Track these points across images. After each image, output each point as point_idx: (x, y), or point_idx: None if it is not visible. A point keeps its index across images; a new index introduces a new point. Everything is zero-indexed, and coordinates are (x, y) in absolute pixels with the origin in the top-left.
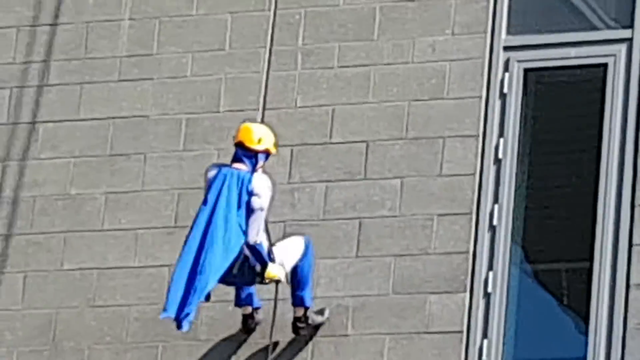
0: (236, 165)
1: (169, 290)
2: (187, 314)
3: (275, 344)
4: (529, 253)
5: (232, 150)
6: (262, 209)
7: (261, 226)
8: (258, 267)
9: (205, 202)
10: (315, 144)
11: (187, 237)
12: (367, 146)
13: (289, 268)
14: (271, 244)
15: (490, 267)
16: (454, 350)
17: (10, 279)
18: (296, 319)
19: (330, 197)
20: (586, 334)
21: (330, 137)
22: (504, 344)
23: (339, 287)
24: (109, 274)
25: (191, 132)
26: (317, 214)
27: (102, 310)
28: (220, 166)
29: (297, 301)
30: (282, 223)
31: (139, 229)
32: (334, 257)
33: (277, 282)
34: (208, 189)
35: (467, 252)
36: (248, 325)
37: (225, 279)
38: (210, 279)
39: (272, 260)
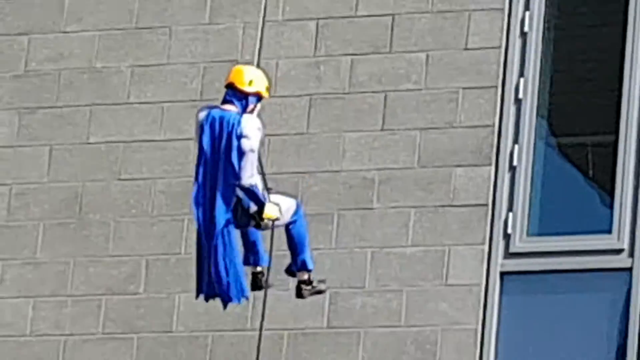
0: (226, 106)
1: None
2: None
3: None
4: (554, 126)
5: (257, 23)
6: (252, 151)
7: (254, 168)
8: (253, 208)
9: (200, 150)
10: (340, 17)
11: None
12: (393, 19)
13: (285, 217)
14: (267, 188)
15: (516, 141)
16: (479, 224)
17: (37, 153)
18: (300, 282)
19: (356, 70)
20: (611, 207)
21: (356, 10)
22: (529, 217)
23: (364, 161)
24: (135, 147)
25: (217, 5)
26: (343, 88)
27: (128, 184)
28: (210, 108)
29: (300, 265)
30: (308, 97)
31: (165, 102)
32: (359, 130)
33: (274, 221)
34: (200, 134)
35: (493, 125)
36: (257, 283)
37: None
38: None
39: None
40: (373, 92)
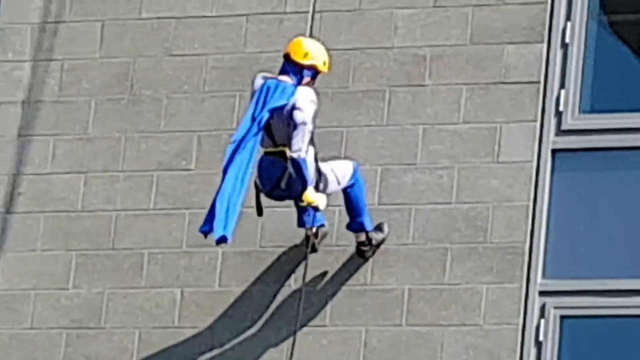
0: (282, 77)
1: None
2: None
3: None
4: (606, 4)
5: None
6: (304, 123)
7: (305, 142)
8: (299, 187)
9: (253, 116)
10: None
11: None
12: None
13: (336, 185)
14: (317, 159)
15: (568, 18)
16: (531, 101)
17: (88, 28)
18: (359, 244)
19: None
20: None
21: None
22: (581, 94)
23: (416, 37)
24: (187, 22)
25: None
26: None
27: (180, 59)
28: (266, 78)
29: (357, 227)
30: None
31: None
32: (412, 6)
33: (315, 208)
34: (256, 101)
35: (545, 2)
36: (311, 244)
37: (273, 194)
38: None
39: (316, 187)
40: None
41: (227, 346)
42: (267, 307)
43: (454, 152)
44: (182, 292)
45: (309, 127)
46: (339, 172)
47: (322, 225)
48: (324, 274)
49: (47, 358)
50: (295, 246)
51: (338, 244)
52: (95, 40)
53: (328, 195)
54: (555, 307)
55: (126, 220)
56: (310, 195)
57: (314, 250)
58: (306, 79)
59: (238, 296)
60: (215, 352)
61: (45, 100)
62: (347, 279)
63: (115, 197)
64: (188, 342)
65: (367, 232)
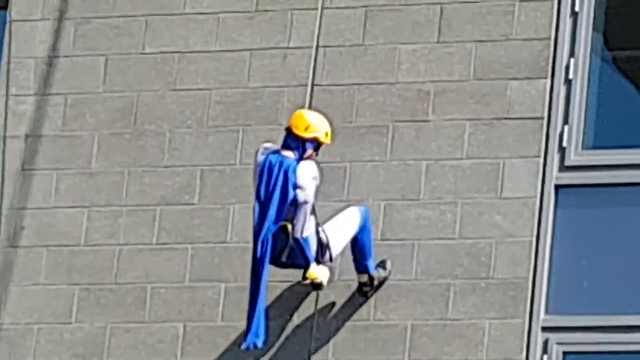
0: (284, 152)
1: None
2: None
3: None
4: (610, 39)
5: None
6: (306, 202)
7: (307, 219)
8: (302, 263)
9: (257, 195)
10: None
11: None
12: None
13: (339, 249)
14: (318, 225)
15: (572, 54)
16: (534, 136)
17: (92, 63)
18: (362, 284)
19: None
20: None
21: None
22: (584, 130)
23: (420, 73)
24: (190, 57)
25: None
26: None
27: (184, 94)
28: (269, 151)
29: (362, 268)
30: (364, 8)
31: (221, 12)
32: (415, 42)
33: (318, 285)
34: (258, 178)
35: (549, 38)
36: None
37: (277, 263)
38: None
39: (321, 245)
40: (429, 3)
41: None
42: (272, 342)
43: (457, 188)
44: (184, 327)
45: (311, 204)
46: (345, 227)
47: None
48: (328, 309)
49: None
50: (299, 282)
51: (341, 278)
52: (98, 75)
53: (332, 264)
54: (558, 343)
55: (129, 255)
56: (314, 272)
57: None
58: (308, 152)
59: (241, 331)
60: None
61: (49, 135)
62: (351, 315)
63: (118, 231)
64: None
65: (370, 275)
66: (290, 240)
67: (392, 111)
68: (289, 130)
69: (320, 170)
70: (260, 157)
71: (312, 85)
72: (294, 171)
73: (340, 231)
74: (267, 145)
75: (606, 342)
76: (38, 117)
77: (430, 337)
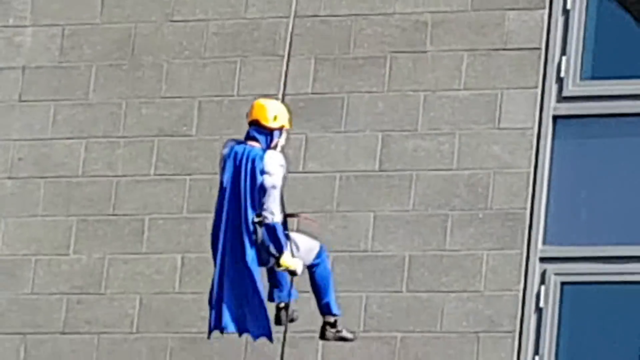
0: (250, 142)
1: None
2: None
3: None
4: None
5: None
6: (274, 187)
7: (277, 206)
8: (272, 249)
9: (221, 186)
10: None
11: (213, 232)
12: None
13: (307, 258)
14: (287, 228)
15: None
16: (532, 67)
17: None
18: (326, 323)
19: None
20: None
21: None
22: (582, 60)
23: (417, 3)
24: None
25: None
26: None
27: (181, 25)
28: (234, 144)
29: (325, 309)
30: None
31: None
32: None
33: (292, 273)
34: (222, 169)
35: None
36: (281, 318)
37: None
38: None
39: (290, 249)
40: None
41: None
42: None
43: (455, 119)
44: (182, 258)
45: (279, 190)
46: (304, 245)
47: (287, 302)
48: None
49: (48, 324)
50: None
51: (338, 210)
52: (96, 6)
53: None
54: (556, 274)
55: (127, 186)
56: (287, 260)
57: (281, 323)
58: (276, 141)
59: None
60: None
61: (46, 66)
62: (348, 246)
63: (115, 162)
64: (189, 308)
65: (334, 315)
66: (259, 231)
67: (390, 42)
68: (253, 122)
69: (287, 159)
70: (226, 150)
71: (292, 29)
72: (261, 158)
73: (306, 242)
74: (233, 141)
75: (604, 273)
76: (35, 48)
77: (427, 268)
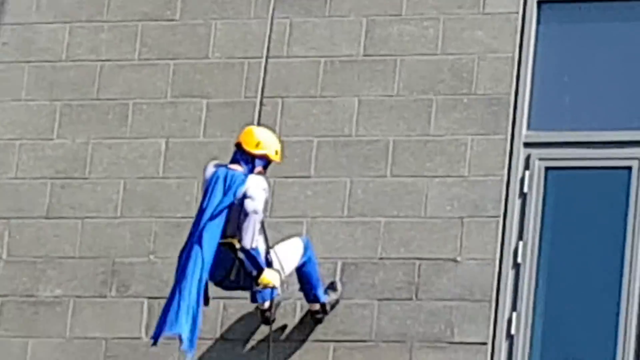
0: (233, 166)
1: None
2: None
3: None
4: None
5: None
6: (256, 212)
7: (257, 230)
8: (254, 273)
9: (201, 207)
10: None
11: (183, 251)
12: None
13: (288, 271)
14: (268, 247)
15: None
16: None
17: None
18: (314, 312)
19: None
20: None
21: None
22: None
23: None
24: None
25: None
26: None
27: None
28: (218, 166)
29: (312, 298)
30: None
31: None
32: None
33: (272, 289)
34: (205, 191)
35: None
36: (267, 318)
37: (223, 284)
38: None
39: (269, 264)
40: None
41: None
42: None
43: (440, 3)
44: (166, 143)
45: (260, 216)
46: (288, 250)
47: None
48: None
49: (32, 208)
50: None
51: (322, 95)
52: None
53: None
54: (540, 159)
55: (111, 71)
56: (266, 277)
57: (268, 322)
58: (258, 169)
59: (223, 147)
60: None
61: None
62: (332, 131)
63: (99, 47)
64: (172, 193)
65: (322, 304)
66: (239, 254)
67: None
68: (238, 145)
69: (269, 185)
70: (210, 170)
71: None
72: (243, 182)
73: (289, 253)
74: (216, 162)
75: (588, 158)
76: None
77: (412, 153)
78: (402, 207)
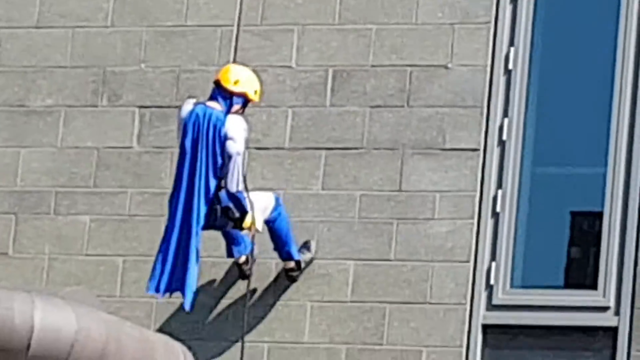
0: (211, 103)
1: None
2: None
3: None
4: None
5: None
6: (238, 153)
7: (241, 172)
8: (236, 214)
9: (182, 150)
10: None
11: (170, 202)
12: None
13: (265, 214)
14: (247, 189)
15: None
16: None
17: None
18: (288, 269)
19: None
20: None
21: None
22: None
23: None
24: None
25: None
26: None
27: None
28: (196, 104)
29: (285, 256)
30: None
31: None
32: None
33: (255, 231)
34: (183, 133)
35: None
36: (244, 272)
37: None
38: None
39: (251, 208)
40: None
41: None
42: None
43: None
44: None
45: (242, 157)
46: (261, 203)
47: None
48: None
49: (22, 18)
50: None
51: None
52: None
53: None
54: None
55: None
56: (250, 220)
57: (246, 276)
58: (235, 107)
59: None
60: None
61: None
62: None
63: None
64: (164, 1)
65: (296, 262)
66: (222, 195)
67: None
68: (217, 83)
69: (248, 124)
70: (187, 108)
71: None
72: (223, 124)
73: (260, 203)
74: (193, 99)
75: None
76: None
77: None
78: (393, 14)
